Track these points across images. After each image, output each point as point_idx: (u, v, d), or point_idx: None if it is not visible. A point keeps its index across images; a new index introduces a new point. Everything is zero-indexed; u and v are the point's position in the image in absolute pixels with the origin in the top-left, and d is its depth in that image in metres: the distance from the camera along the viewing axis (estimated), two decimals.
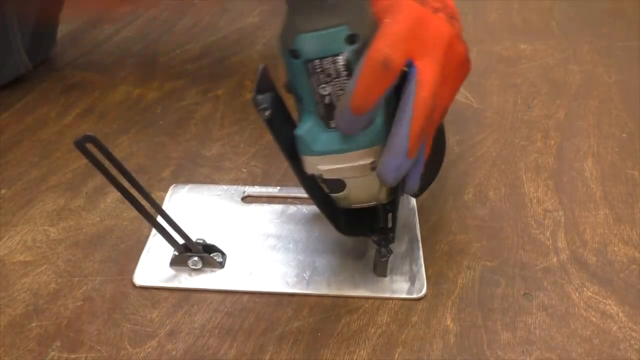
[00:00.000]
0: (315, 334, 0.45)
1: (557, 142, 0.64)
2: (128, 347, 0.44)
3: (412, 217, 0.54)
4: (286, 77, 0.43)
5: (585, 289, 0.48)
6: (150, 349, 0.44)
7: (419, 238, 0.52)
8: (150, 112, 0.71)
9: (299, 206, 0.56)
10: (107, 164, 0.43)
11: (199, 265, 0.49)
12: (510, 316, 0.46)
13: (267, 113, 0.42)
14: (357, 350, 0.44)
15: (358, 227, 0.49)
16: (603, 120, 0.68)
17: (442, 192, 0.58)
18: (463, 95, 0.73)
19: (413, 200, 0.56)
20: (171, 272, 0.49)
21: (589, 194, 0.57)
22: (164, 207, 0.55)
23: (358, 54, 0.39)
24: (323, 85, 0.41)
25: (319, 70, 0.40)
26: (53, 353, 0.44)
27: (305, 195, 0.56)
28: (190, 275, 0.49)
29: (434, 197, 0.57)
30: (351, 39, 0.39)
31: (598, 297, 0.47)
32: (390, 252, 0.47)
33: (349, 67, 0.40)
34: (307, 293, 0.48)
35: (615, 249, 0.51)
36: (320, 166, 0.44)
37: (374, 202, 0.46)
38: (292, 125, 0.44)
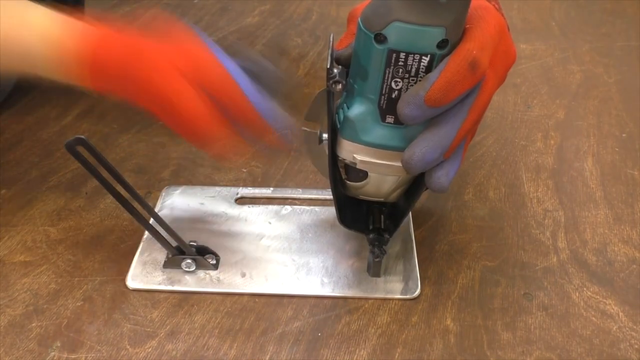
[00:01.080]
0: (315, 334, 0.45)
1: (557, 142, 0.65)
2: (128, 347, 0.44)
3: (406, 218, 0.54)
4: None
5: (585, 288, 0.48)
6: (150, 349, 0.44)
7: (413, 238, 0.52)
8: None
9: (293, 207, 0.56)
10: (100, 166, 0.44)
11: (192, 268, 0.49)
12: (510, 316, 0.46)
13: (339, 86, 0.41)
14: (357, 351, 0.44)
15: (357, 223, 0.49)
16: (603, 120, 0.68)
17: None
18: None
19: None
20: (164, 274, 0.49)
21: (589, 193, 0.57)
22: (157, 209, 0.55)
23: (442, 58, 0.39)
24: (397, 80, 0.40)
25: (400, 63, 0.39)
26: (53, 353, 0.44)
27: (298, 196, 0.56)
28: (183, 277, 0.49)
29: (434, 197, 0.57)
30: (443, 43, 0.38)
31: (598, 297, 0.47)
32: (383, 252, 0.47)
33: (429, 69, 0.39)
34: (301, 294, 0.48)
35: (615, 248, 0.51)
36: (358, 156, 0.43)
37: (382, 199, 0.46)
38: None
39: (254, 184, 0.59)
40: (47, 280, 0.50)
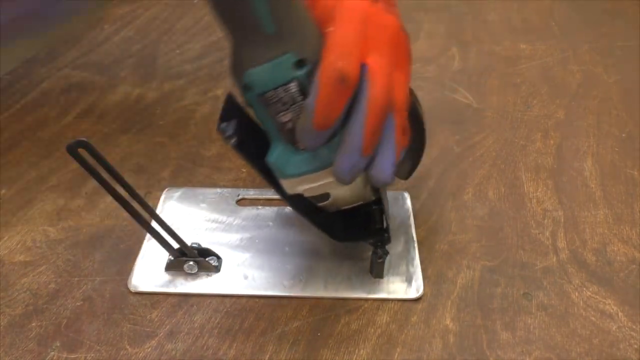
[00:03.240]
0: (315, 334, 0.45)
1: (557, 141, 0.65)
2: (128, 347, 0.44)
3: (408, 218, 0.54)
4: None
5: (584, 288, 0.48)
6: (149, 349, 0.44)
7: (415, 238, 0.52)
8: (149, 112, 0.71)
9: None
10: (101, 168, 0.44)
11: (195, 270, 0.49)
12: (510, 316, 0.46)
13: (232, 141, 0.43)
14: (357, 350, 0.44)
15: (354, 233, 0.49)
16: (602, 120, 0.68)
17: (442, 192, 0.58)
18: (462, 95, 0.73)
19: (408, 201, 0.56)
20: (167, 276, 0.49)
21: (589, 193, 0.57)
22: (158, 211, 0.55)
23: (310, 75, 0.39)
24: (282, 113, 0.41)
25: (274, 100, 0.40)
26: (53, 353, 0.44)
27: None
28: (186, 279, 0.49)
29: (433, 197, 0.57)
30: (300, 64, 0.39)
31: (597, 296, 0.47)
32: (386, 253, 0.47)
33: (304, 91, 0.40)
34: (304, 296, 0.48)
35: (615, 248, 0.51)
36: (299, 187, 0.44)
37: (361, 201, 0.47)
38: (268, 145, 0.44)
39: (254, 185, 0.59)
40: (47, 280, 0.50)
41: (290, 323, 0.46)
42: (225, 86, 0.77)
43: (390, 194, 0.54)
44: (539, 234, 0.53)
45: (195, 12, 0.97)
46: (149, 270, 0.50)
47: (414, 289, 0.48)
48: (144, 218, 0.47)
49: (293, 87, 0.40)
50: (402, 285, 0.48)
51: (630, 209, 0.55)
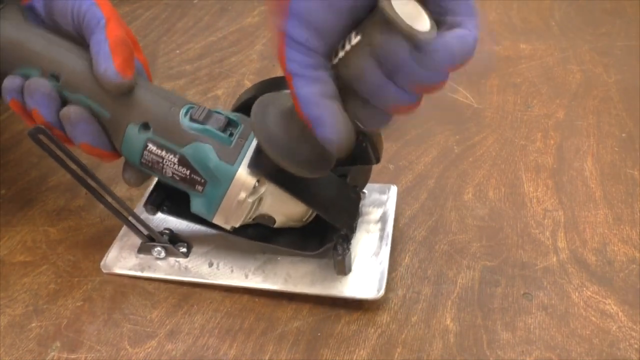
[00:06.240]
0: (315, 334, 0.45)
1: (557, 141, 0.64)
2: (128, 347, 0.44)
3: (388, 214, 0.52)
4: None
5: (584, 288, 0.48)
6: (150, 349, 0.44)
7: (390, 235, 0.50)
8: None
9: None
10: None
11: (162, 255, 0.50)
12: (510, 316, 0.46)
13: (155, 213, 0.49)
14: (357, 350, 0.44)
15: (324, 237, 0.48)
16: (603, 120, 0.68)
17: (442, 192, 0.58)
18: (463, 94, 0.73)
19: (394, 194, 0.54)
20: (138, 260, 0.50)
21: (589, 193, 0.57)
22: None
23: (154, 132, 0.45)
24: (163, 171, 0.46)
25: (149, 165, 0.46)
26: (53, 353, 0.44)
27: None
28: (155, 263, 0.50)
29: (434, 197, 0.57)
30: (145, 127, 0.45)
31: (598, 296, 0.47)
32: (346, 250, 0.46)
33: (159, 146, 0.45)
34: (260, 287, 0.48)
35: (615, 248, 0.51)
36: (226, 224, 0.46)
37: (308, 211, 0.47)
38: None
39: None
40: (47, 280, 0.50)
41: (290, 323, 0.46)
42: (225, 86, 0.77)
43: (376, 186, 0.54)
44: (539, 234, 0.53)
45: (195, 12, 0.97)
46: (123, 253, 0.51)
47: (375, 288, 0.46)
48: (113, 205, 0.49)
49: (151, 146, 0.45)
50: (364, 284, 0.46)
51: (630, 209, 0.55)
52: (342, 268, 0.47)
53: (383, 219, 0.52)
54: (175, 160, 0.45)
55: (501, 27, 0.89)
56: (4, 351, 0.44)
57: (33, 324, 0.46)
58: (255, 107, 0.41)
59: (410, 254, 0.51)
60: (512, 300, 0.47)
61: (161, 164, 0.45)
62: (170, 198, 0.49)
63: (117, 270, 0.50)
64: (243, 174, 0.44)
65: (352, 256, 0.48)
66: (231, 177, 0.44)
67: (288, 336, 0.45)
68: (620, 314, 0.46)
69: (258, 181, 0.44)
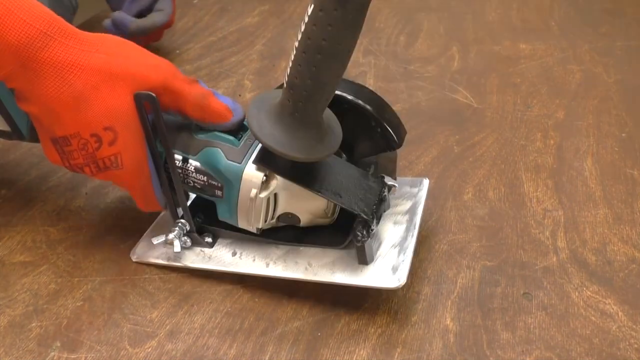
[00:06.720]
0: (315, 333, 0.45)
1: (557, 141, 0.64)
2: (128, 347, 0.45)
3: (417, 205, 0.51)
4: None
5: (584, 288, 0.48)
6: (150, 349, 0.44)
7: (417, 227, 0.49)
8: None
9: None
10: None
11: (189, 244, 0.51)
12: (510, 316, 0.46)
13: (208, 240, 0.51)
14: (357, 350, 0.44)
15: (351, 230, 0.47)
16: (602, 120, 0.68)
17: (442, 192, 0.58)
18: (463, 94, 0.73)
19: (425, 187, 0.53)
20: (165, 249, 0.51)
21: (589, 193, 0.57)
22: None
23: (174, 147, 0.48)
24: (187, 181, 0.48)
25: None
26: (53, 353, 0.44)
27: None
28: (182, 253, 0.51)
29: (434, 197, 0.57)
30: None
31: (597, 296, 0.47)
32: (366, 236, 0.45)
33: (180, 159, 0.48)
34: (280, 276, 0.48)
35: (615, 248, 0.51)
36: (250, 225, 0.47)
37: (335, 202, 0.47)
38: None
39: None
40: (47, 280, 0.50)
41: (290, 323, 0.46)
42: (225, 86, 0.77)
43: (407, 180, 0.54)
44: (539, 233, 0.53)
45: (195, 12, 0.97)
46: (151, 245, 0.52)
47: (396, 278, 0.45)
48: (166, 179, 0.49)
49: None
50: (385, 274, 0.45)
51: (630, 209, 0.55)
52: (363, 256, 0.46)
53: (412, 211, 0.50)
54: (192, 168, 0.47)
55: (501, 27, 0.90)
56: (4, 351, 0.44)
57: (33, 324, 0.46)
58: (249, 107, 0.43)
59: None
60: (512, 300, 0.47)
61: (182, 175, 0.48)
62: (204, 210, 0.51)
63: (147, 259, 0.51)
64: (250, 170, 0.45)
65: (376, 246, 0.47)
66: (240, 175, 0.46)
67: (288, 336, 0.45)
68: (620, 313, 0.46)
69: (266, 176, 0.45)
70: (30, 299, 0.48)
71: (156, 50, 0.85)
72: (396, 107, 0.46)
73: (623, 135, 0.65)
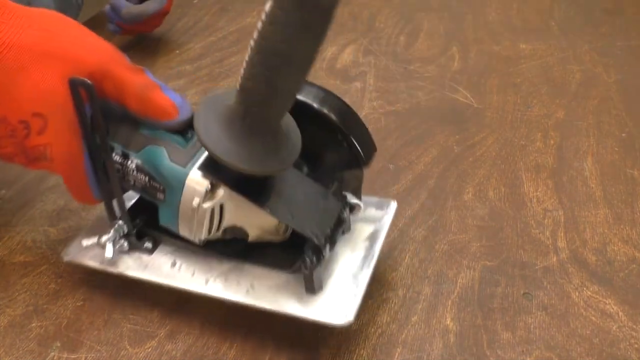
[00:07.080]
0: (316, 333, 0.45)
1: (557, 141, 0.64)
2: (128, 347, 0.45)
3: (379, 232, 0.46)
4: None
5: (585, 288, 0.48)
6: (150, 349, 0.44)
7: (375, 257, 0.44)
8: None
9: None
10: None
11: (126, 248, 0.47)
12: (510, 316, 0.46)
13: (149, 247, 0.47)
14: (357, 350, 0.44)
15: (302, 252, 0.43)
16: (602, 120, 0.68)
17: (442, 192, 0.58)
18: (463, 94, 0.73)
19: (393, 210, 0.48)
20: (100, 251, 0.47)
21: (589, 193, 0.57)
22: None
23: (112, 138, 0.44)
24: (126, 179, 0.45)
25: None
26: (53, 353, 0.44)
27: None
28: (119, 257, 0.47)
29: (434, 197, 0.57)
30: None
31: (598, 296, 0.47)
32: (315, 263, 0.41)
33: (119, 154, 0.44)
34: (216, 297, 0.43)
35: (615, 248, 0.51)
36: (192, 236, 0.44)
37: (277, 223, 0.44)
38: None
39: None
40: (47, 280, 0.50)
41: (291, 322, 0.46)
42: (225, 86, 0.77)
43: (374, 200, 0.49)
44: (539, 233, 0.53)
45: (195, 12, 0.97)
46: (87, 244, 0.47)
47: (344, 314, 0.40)
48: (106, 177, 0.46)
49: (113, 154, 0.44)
50: (332, 308, 0.41)
51: (630, 209, 0.55)
52: (311, 284, 0.41)
53: (372, 238, 0.46)
54: (133, 166, 0.43)
55: (501, 27, 0.89)
56: (4, 351, 0.44)
57: (33, 324, 0.46)
58: (198, 106, 0.40)
59: (410, 254, 0.51)
60: (512, 300, 0.47)
61: (122, 173, 0.44)
62: (150, 212, 0.46)
63: (79, 260, 0.47)
64: (195, 176, 0.41)
65: (328, 273, 0.43)
66: (183, 180, 0.41)
67: (288, 336, 0.45)
68: (620, 313, 0.46)
69: (212, 184, 0.41)
70: (30, 299, 0.48)
71: (156, 50, 0.86)
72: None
73: (623, 135, 0.65)
